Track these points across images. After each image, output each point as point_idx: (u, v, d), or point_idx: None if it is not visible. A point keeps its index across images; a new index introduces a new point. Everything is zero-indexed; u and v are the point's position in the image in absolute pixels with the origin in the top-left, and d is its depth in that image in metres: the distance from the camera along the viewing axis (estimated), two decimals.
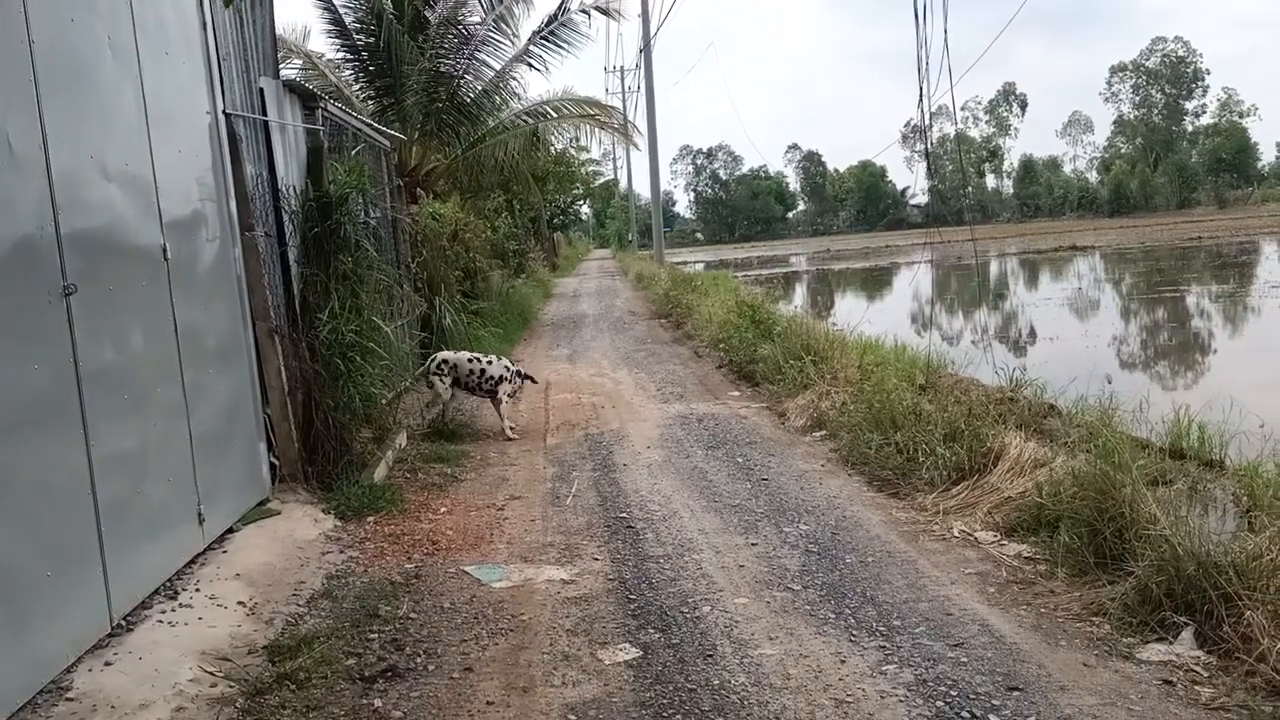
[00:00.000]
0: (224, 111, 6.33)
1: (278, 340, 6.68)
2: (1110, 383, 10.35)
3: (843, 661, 4.03)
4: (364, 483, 6.73)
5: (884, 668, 3.96)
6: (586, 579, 5.08)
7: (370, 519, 6.21)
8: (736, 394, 10.78)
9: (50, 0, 4.31)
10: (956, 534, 5.68)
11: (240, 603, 4.73)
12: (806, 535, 5.69)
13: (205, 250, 5.89)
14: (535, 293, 26.57)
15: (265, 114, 7.09)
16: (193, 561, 5.13)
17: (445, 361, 9.20)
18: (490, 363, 9.29)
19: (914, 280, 41.21)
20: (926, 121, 8.35)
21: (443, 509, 6.48)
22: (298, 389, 6.93)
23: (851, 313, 19.19)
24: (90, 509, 4.19)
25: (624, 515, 6.22)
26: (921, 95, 8.12)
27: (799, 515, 6.11)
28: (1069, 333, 19.60)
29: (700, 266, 41.90)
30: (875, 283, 39.97)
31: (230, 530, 5.74)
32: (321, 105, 8.57)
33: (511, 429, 9.00)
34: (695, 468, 7.43)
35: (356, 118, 10.41)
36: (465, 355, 9.42)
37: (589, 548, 5.59)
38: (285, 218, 7.22)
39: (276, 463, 6.63)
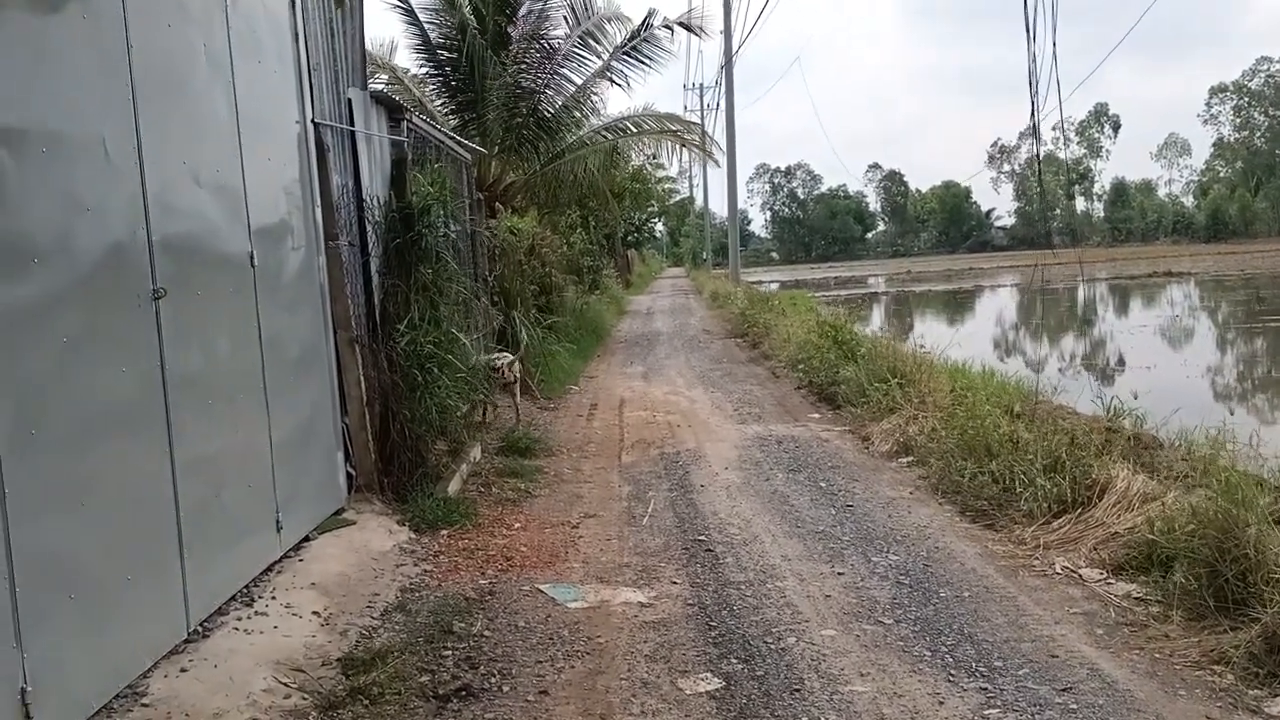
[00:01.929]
0: (313, 121, 6.35)
1: (358, 350, 6.67)
2: (1231, 414, 9.79)
3: (941, 703, 3.78)
4: (438, 495, 6.66)
5: (986, 711, 3.69)
6: (665, 603, 4.90)
7: (444, 532, 6.12)
8: (817, 416, 10.50)
9: (149, 6, 4.33)
10: (1059, 570, 5.35)
11: (315, 613, 4.67)
12: (896, 566, 5.42)
13: (291, 258, 5.90)
14: (609, 309, 26.55)
15: (353, 124, 7.12)
16: (269, 569, 5.10)
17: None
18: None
19: (1000, 303, 40.23)
20: (1038, 136, 8.01)
21: (517, 525, 6.37)
22: (375, 399, 6.90)
23: (934, 336, 18.67)
24: (172, 514, 4.16)
25: (702, 538, 6.02)
26: (1033, 110, 7.82)
27: (888, 544, 5.83)
28: (1164, 362, 18.81)
29: (775, 286, 41.52)
30: (958, 306, 39.02)
31: (306, 539, 5.70)
32: (407, 117, 8.61)
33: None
34: (776, 491, 7.20)
35: (440, 130, 10.48)
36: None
37: (667, 570, 5.40)
38: (369, 228, 7.24)
39: (353, 472, 6.61)
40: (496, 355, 10.01)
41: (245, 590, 4.77)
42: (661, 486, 7.43)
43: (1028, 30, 7.63)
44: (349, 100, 7.14)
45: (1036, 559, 5.54)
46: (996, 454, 7.04)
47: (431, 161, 9.34)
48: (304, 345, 6.02)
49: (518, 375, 9.95)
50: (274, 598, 4.69)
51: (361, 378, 6.68)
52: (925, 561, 5.51)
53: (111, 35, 4.01)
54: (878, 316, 32.78)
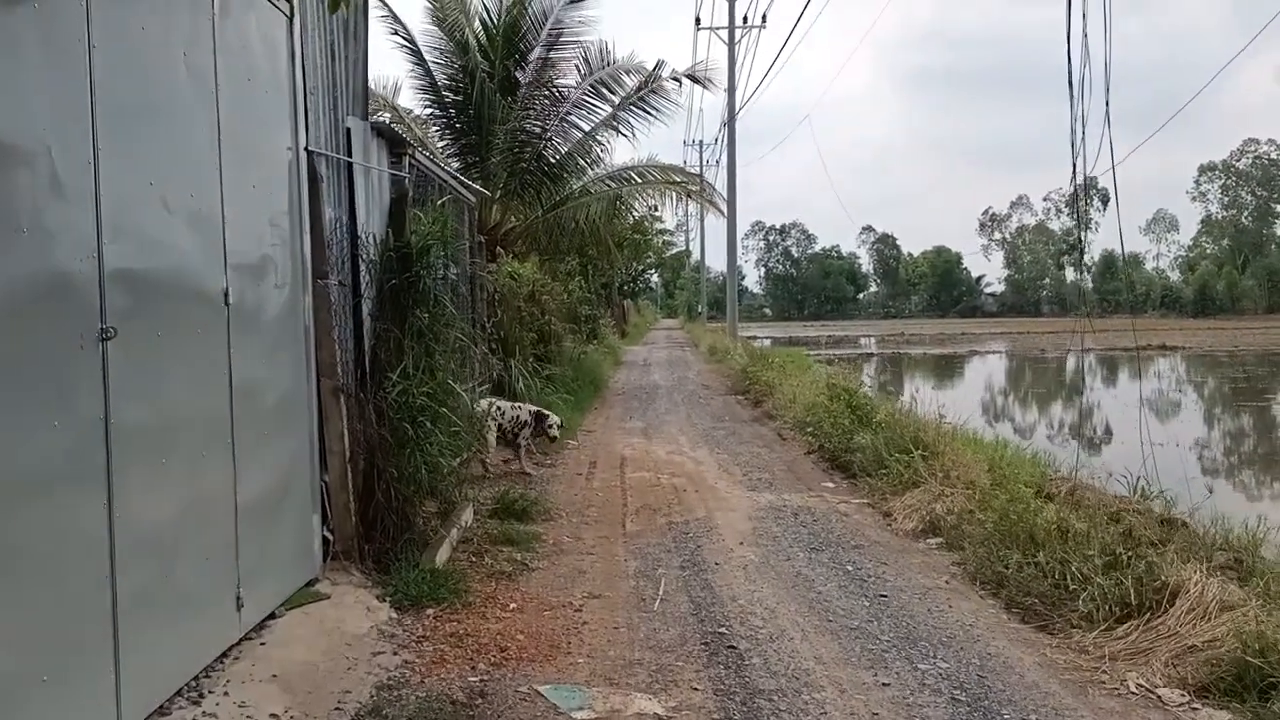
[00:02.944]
0: (306, 149, 5.76)
1: (343, 400, 6.01)
2: (1211, 493, 9.27)
3: None
4: (425, 566, 5.95)
5: None
6: (687, 716, 4.19)
7: (430, 611, 5.40)
8: (831, 485, 9.83)
9: (118, 0, 3.74)
10: (1133, 689, 4.66)
11: (273, 716, 3.94)
12: (948, 676, 4.73)
13: (273, 297, 5.26)
14: (606, 359, 25.93)
15: (350, 155, 6.54)
16: (225, 654, 4.38)
17: (495, 405, 10.06)
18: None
19: (997, 369, 39.79)
20: (1082, 201, 7.49)
21: (512, 605, 5.65)
22: (360, 455, 6.23)
23: (934, 399, 18.06)
24: (107, 597, 3.46)
25: (723, 630, 5.31)
26: (1075, 171, 7.32)
27: (933, 647, 5.14)
28: (1164, 437, 18.19)
29: (768, 342, 40.95)
30: (954, 370, 38.59)
31: (272, 615, 4.99)
32: (409, 152, 8.05)
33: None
34: (799, 574, 6.50)
35: (443, 169, 9.93)
36: (507, 403, 10.49)
37: (685, 672, 4.69)
38: (362, 267, 6.62)
39: (330, 537, 5.90)
40: (540, 411, 10.40)
41: (194, 682, 4.05)
42: (672, 563, 6.72)
43: (1071, 92, 7.19)
44: (348, 130, 6.57)
45: (1104, 673, 4.85)
46: (1042, 543, 6.38)
47: (433, 201, 8.77)
48: (282, 394, 5.36)
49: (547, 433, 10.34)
50: (227, 693, 3.97)
51: (345, 431, 6.01)
52: (979, 671, 4.81)
53: (69, 29, 3.41)
54: (877, 378, 32.23)
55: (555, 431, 10.49)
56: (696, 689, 4.47)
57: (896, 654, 5.02)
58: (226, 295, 4.60)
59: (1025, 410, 26.67)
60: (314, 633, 4.78)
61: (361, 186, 6.76)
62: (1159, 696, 4.58)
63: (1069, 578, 5.87)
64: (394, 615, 5.32)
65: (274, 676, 4.19)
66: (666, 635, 5.21)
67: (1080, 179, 7.62)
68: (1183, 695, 4.57)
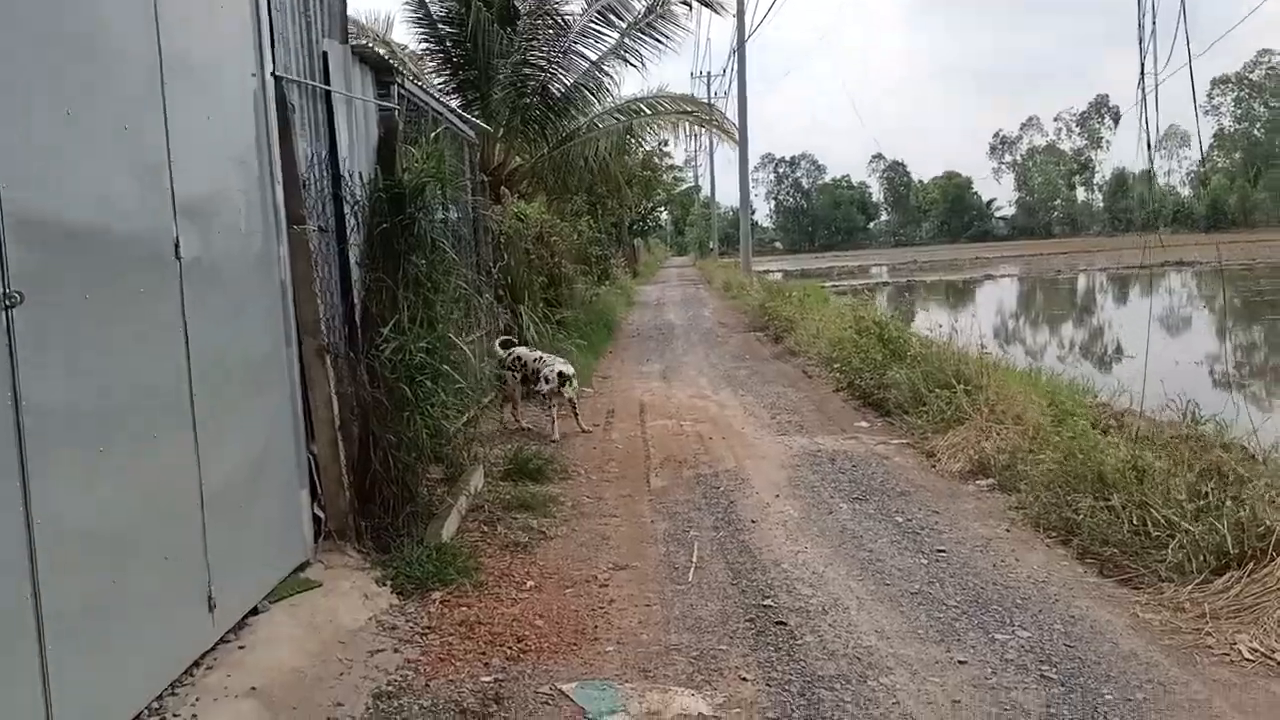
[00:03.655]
0: (273, 74, 5.03)
1: (329, 361, 5.36)
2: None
3: None
4: (430, 542, 5.36)
5: None
6: (737, 716, 3.59)
7: (436, 595, 4.81)
8: (865, 425, 9.18)
9: None
10: (1247, 654, 4.04)
11: None
12: (1031, 648, 4.11)
13: (239, 247, 4.58)
14: (619, 300, 25.24)
15: (328, 83, 5.80)
16: (197, 664, 3.79)
17: (518, 358, 9.28)
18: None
19: (1014, 292, 38.87)
20: (1153, 97, 6.65)
21: (529, 582, 5.05)
22: (352, 421, 5.60)
23: (959, 326, 17.30)
24: (29, 616, 2.86)
25: (768, 602, 4.71)
26: (1142, 73, 6.51)
27: (1008, 612, 4.53)
28: (1188, 354, 17.46)
29: (779, 275, 40.00)
30: (971, 296, 37.66)
31: (254, 611, 4.40)
32: (398, 81, 7.29)
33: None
34: (844, 528, 5.88)
35: (439, 100, 9.14)
36: (533, 352, 9.57)
37: (731, 657, 4.09)
38: (347, 209, 5.92)
39: (321, 515, 5.30)
40: (555, 362, 9.27)
41: (157, 703, 3.46)
42: (704, 522, 6.11)
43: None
44: (324, 54, 5.81)
45: (1209, 634, 4.23)
46: (1114, 485, 5.73)
47: (427, 135, 8.01)
48: (255, 358, 4.71)
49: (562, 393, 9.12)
50: (195, 716, 3.39)
51: (334, 395, 5.37)
52: (1065, 639, 4.20)
53: None
54: (896, 307, 31.40)
55: (570, 392, 9.19)
56: (745, 678, 3.87)
57: (968, 622, 4.41)
58: (177, 247, 3.92)
59: (1047, 333, 25.84)
60: (302, 630, 4.19)
61: (343, 119, 6.03)
62: (1279, 663, 3.96)
63: (1150, 523, 5.23)
64: (395, 602, 4.73)
65: (252, 689, 3.61)
66: (705, 612, 4.61)
67: (1144, 84, 6.82)
68: None
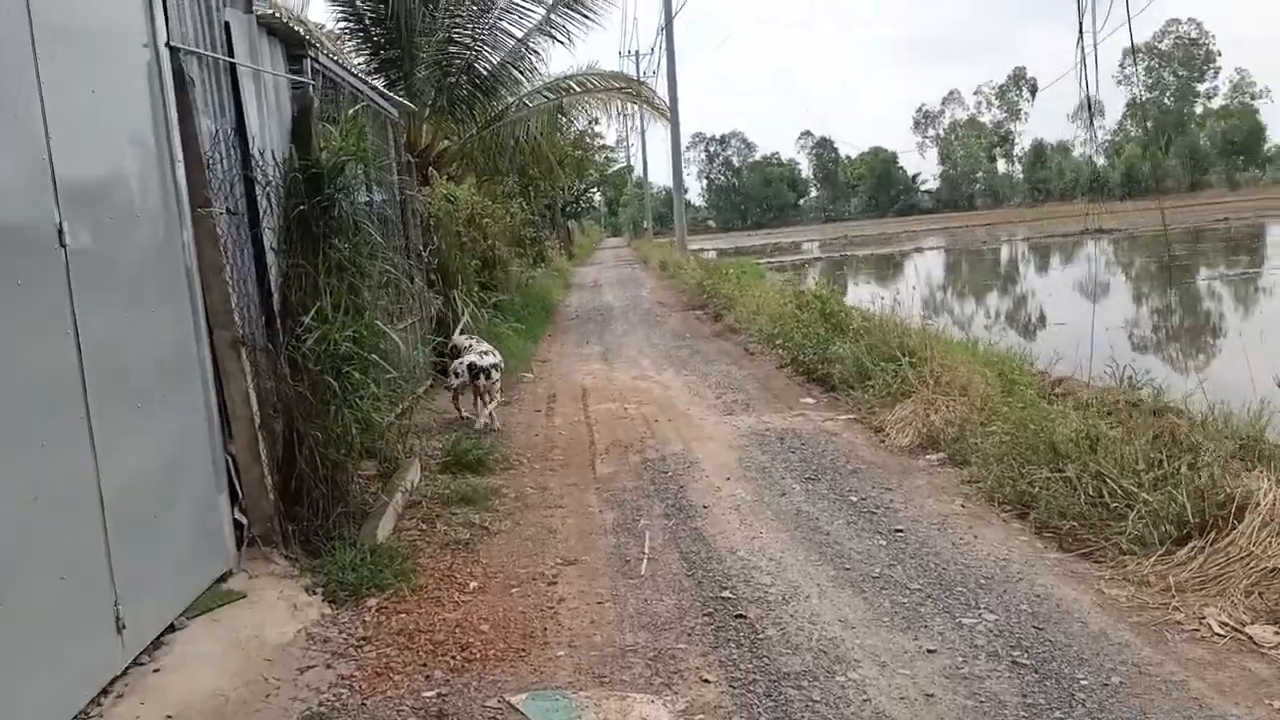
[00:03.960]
0: (168, 44, 4.60)
1: (245, 354, 4.96)
2: None
3: None
4: (364, 544, 5.02)
5: None
6: None
7: (372, 602, 4.49)
8: (811, 401, 9.03)
9: None
10: (1217, 629, 3.93)
11: None
12: (1000, 632, 3.95)
13: (135, 233, 4.17)
14: (555, 283, 24.87)
15: (232, 55, 5.36)
16: (106, 691, 3.44)
17: (454, 347, 8.95)
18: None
19: (940, 263, 39.36)
20: (1088, 61, 6.56)
21: (472, 583, 4.75)
22: (274, 419, 5.22)
23: (888, 298, 17.32)
24: None
25: (726, 594, 4.48)
26: (1081, 32, 6.42)
27: (972, 593, 4.37)
28: (1110, 320, 17.76)
29: (713, 254, 39.93)
30: (901, 268, 37.99)
31: (171, 628, 4.04)
32: (312, 55, 6.85)
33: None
34: (799, 510, 5.69)
35: (357, 76, 8.68)
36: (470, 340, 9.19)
37: (690, 656, 3.85)
38: (259, 191, 5.51)
39: (243, 520, 4.93)
40: (477, 349, 8.71)
41: None
42: (654, 510, 5.86)
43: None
44: (226, 24, 5.36)
45: (1176, 609, 4.11)
46: (1067, 455, 5.63)
47: (346, 113, 7.57)
48: (160, 353, 4.31)
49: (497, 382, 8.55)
50: None
51: (252, 391, 4.98)
52: (1034, 621, 4.05)
53: None
54: (829, 281, 31.52)
55: (485, 384, 8.33)
56: (707, 679, 3.63)
57: (933, 606, 4.23)
58: (61, 234, 3.52)
59: (978, 303, 26.13)
60: (224, 647, 3.85)
61: (251, 95, 5.59)
62: (1250, 637, 3.85)
63: (1107, 494, 5.13)
64: (327, 611, 4.40)
65: (168, 718, 3.26)
66: (661, 607, 4.36)
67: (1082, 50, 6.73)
68: (1277, 633, 3.86)
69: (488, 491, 6.29)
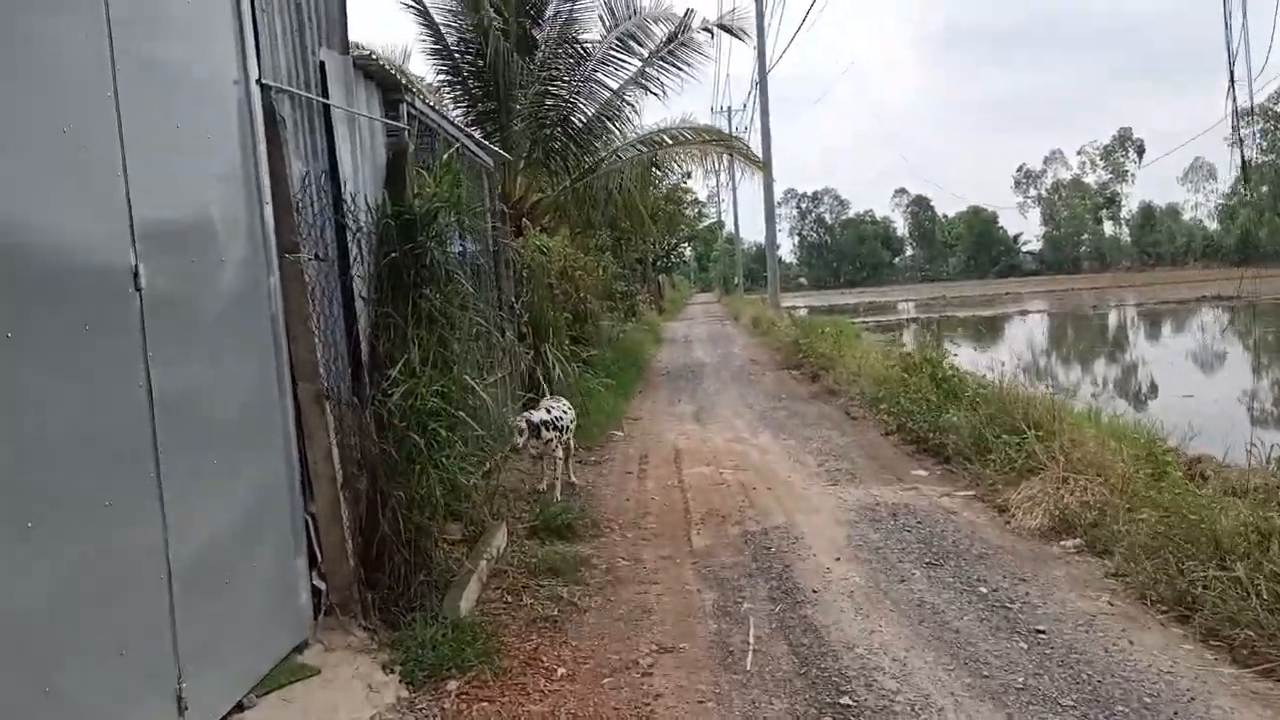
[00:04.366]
0: (259, 82, 4.40)
1: (329, 408, 4.67)
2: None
3: None
4: (447, 616, 4.63)
5: None
6: None
7: (453, 685, 4.07)
8: (924, 473, 8.38)
9: None
10: None
11: None
12: None
13: (217, 276, 3.92)
14: (646, 338, 24.57)
15: (326, 96, 5.17)
16: None
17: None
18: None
19: (1050, 327, 37.88)
20: (1237, 108, 5.97)
21: (560, 669, 4.30)
22: (357, 477, 4.90)
23: (1001, 366, 16.42)
24: None
25: (846, 700, 3.92)
26: (1231, 82, 5.86)
27: (1138, 715, 3.73)
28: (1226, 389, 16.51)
29: (804, 311, 39.20)
30: (1006, 331, 36.68)
31: (240, 707, 3.69)
32: (408, 100, 6.68)
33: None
34: (922, 601, 5.09)
35: (453, 124, 8.54)
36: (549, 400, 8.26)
37: None
38: (350, 237, 5.27)
39: (322, 586, 4.59)
40: (544, 405, 7.90)
41: None
42: (757, 592, 5.34)
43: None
44: (321, 64, 5.19)
45: None
46: (1235, 551, 4.92)
47: (440, 160, 7.39)
48: (241, 406, 4.03)
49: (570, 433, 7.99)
50: None
51: (335, 447, 4.68)
52: None
53: None
54: (928, 341, 30.47)
55: (536, 441, 7.41)
56: None
57: None
58: (136, 277, 3.26)
59: (1091, 371, 24.85)
60: None
61: (345, 137, 5.40)
62: None
63: None
64: (404, 694, 3.99)
65: None
66: (771, 712, 3.83)
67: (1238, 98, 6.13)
68: None
69: (577, 561, 5.85)
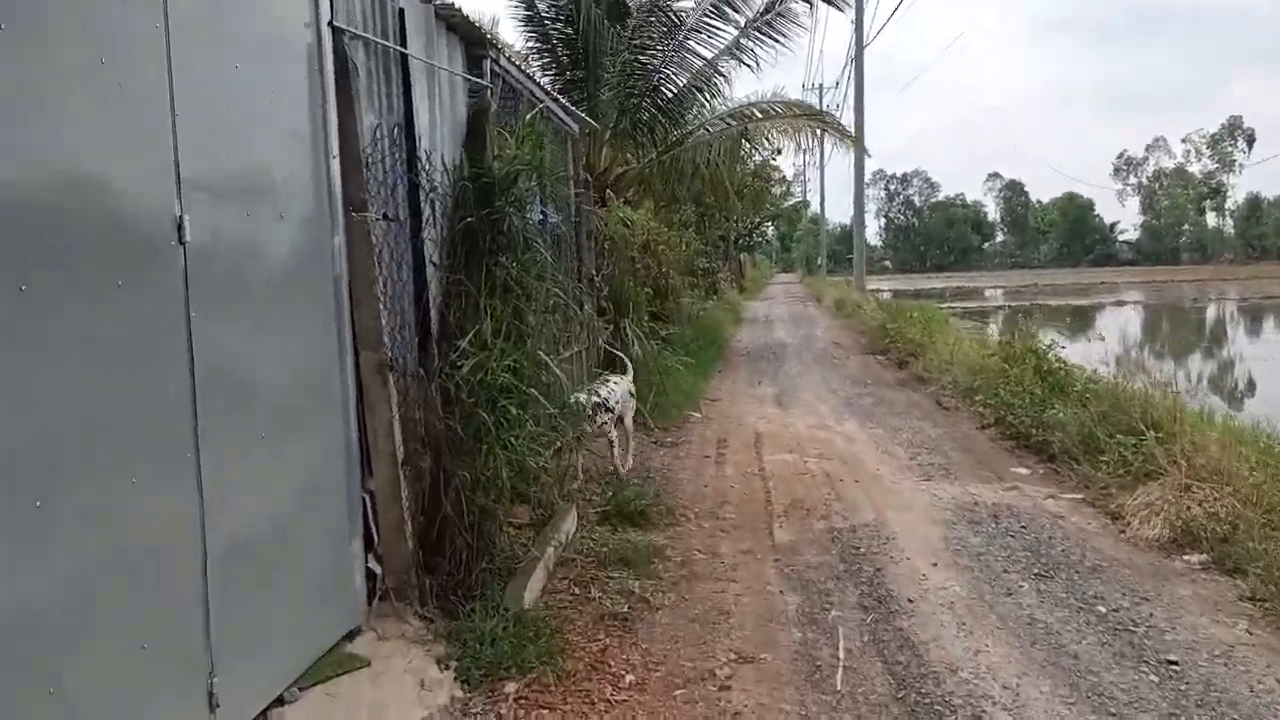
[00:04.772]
0: (331, 24, 4.08)
1: (393, 380, 4.36)
2: None
3: None
4: (510, 607, 4.30)
5: None
6: None
7: (511, 688, 3.73)
8: (1025, 472, 7.78)
9: None
10: None
11: None
12: None
13: (274, 234, 3.61)
14: (726, 317, 24.06)
15: (404, 45, 4.83)
16: None
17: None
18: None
19: (1150, 319, 36.11)
20: None
21: (628, 675, 3.92)
22: (420, 454, 4.59)
23: (1093, 356, 15.42)
24: None
25: None
26: None
27: None
28: None
29: (889, 295, 38.00)
30: (1103, 323, 34.99)
31: (280, 701, 3.41)
32: (492, 56, 6.32)
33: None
34: (1032, 619, 4.58)
35: (539, 86, 8.17)
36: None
37: None
38: (424, 198, 4.95)
39: (378, 570, 4.30)
40: (591, 390, 7.17)
41: None
42: (846, 598, 4.89)
43: None
44: (400, 10, 4.84)
45: None
46: None
47: (523, 119, 7.03)
48: (296, 375, 3.73)
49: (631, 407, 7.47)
50: None
51: (397, 422, 4.37)
52: None
53: None
54: (1022, 331, 29.20)
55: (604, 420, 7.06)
56: None
57: None
58: (180, 229, 2.96)
59: (1196, 368, 23.45)
60: None
61: (423, 92, 5.07)
62: None
63: None
64: (459, 694, 3.68)
65: None
66: None
67: None
68: None
69: (650, 552, 5.48)
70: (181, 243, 2.96)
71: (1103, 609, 4.70)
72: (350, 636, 4.00)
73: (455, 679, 3.78)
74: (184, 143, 2.98)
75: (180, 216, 2.95)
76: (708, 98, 17.54)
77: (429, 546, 4.52)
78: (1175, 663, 4.08)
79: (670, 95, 16.52)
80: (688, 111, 17.29)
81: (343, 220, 4.14)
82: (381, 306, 4.34)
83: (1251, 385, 19.17)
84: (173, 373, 2.91)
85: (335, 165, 4.09)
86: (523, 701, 3.63)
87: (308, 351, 3.84)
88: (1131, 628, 4.46)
